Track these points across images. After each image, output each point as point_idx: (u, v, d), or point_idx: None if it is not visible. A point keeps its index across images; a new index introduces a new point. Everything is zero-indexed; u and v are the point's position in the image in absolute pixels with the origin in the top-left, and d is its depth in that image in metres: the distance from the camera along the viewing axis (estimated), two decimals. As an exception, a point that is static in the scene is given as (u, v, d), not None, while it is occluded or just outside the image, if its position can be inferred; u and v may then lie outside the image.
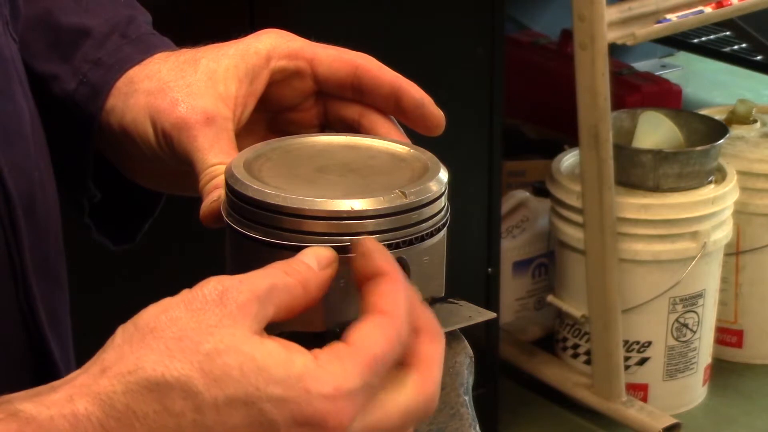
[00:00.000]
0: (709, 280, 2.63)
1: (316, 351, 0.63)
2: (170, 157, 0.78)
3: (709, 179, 2.61)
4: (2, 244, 0.74)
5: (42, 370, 0.78)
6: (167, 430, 0.61)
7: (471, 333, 0.74)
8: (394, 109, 0.79)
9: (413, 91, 0.79)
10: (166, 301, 0.63)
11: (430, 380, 0.65)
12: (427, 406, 0.65)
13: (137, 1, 0.89)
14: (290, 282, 0.65)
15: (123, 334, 0.63)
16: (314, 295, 0.65)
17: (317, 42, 0.81)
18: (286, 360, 0.62)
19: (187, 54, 0.81)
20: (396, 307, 0.64)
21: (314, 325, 0.67)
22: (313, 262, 0.66)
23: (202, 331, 0.62)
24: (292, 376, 0.62)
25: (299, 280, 0.65)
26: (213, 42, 0.81)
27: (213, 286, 0.63)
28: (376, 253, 0.66)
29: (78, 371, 0.63)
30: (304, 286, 0.65)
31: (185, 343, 0.62)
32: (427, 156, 0.74)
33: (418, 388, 0.65)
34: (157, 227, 0.92)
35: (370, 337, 0.63)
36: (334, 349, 0.63)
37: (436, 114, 0.79)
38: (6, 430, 0.59)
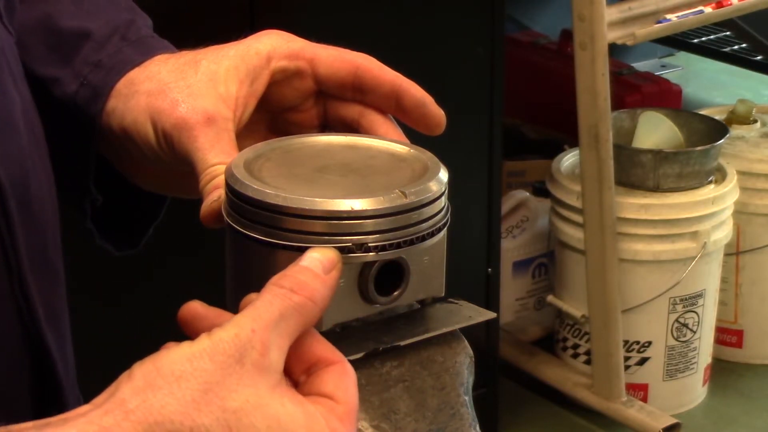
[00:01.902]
0: (709, 280, 2.63)
1: (328, 408, 0.64)
2: (171, 158, 0.78)
3: (709, 179, 2.61)
4: None
5: (38, 367, 0.78)
6: None
7: (471, 333, 0.74)
8: (395, 108, 0.79)
9: (414, 91, 0.79)
10: (188, 348, 0.63)
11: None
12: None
13: (137, 6, 0.89)
14: (299, 301, 0.65)
15: (144, 375, 0.62)
16: (323, 304, 0.66)
17: (317, 42, 0.81)
18: (306, 417, 0.63)
19: (187, 56, 0.81)
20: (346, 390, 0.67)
21: (315, 325, 0.67)
22: (318, 268, 0.66)
23: (228, 387, 0.62)
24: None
25: (308, 295, 0.65)
26: (213, 44, 0.81)
27: (232, 341, 0.63)
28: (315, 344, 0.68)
29: (89, 405, 0.62)
30: (313, 300, 0.65)
31: (211, 396, 0.62)
32: (427, 156, 0.74)
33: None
34: (157, 228, 0.92)
35: (350, 390, 0.65)
36: (336, 409, 0.65)
37: (437, 113, 0.79)
38: None
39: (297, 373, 0.66)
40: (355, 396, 0.66)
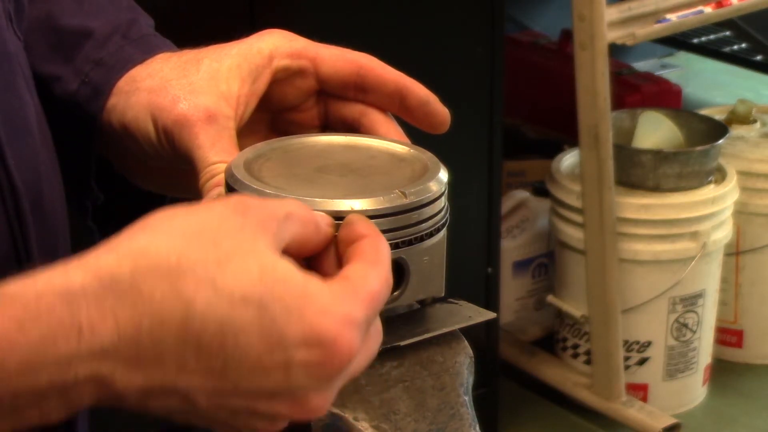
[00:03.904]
0: (709, 280, 2.63)
1: (328, 280, 0.63)
2: (171, 155, 0.78)
3: (709, 179, 2.61)
4: (8, 238, 0.74)
5: None
6: (173, 316, 0.58)
7: (471, 333, 0.74)
8: (399, 107, 0.79)
9: (418, 89, 0.79)
10: (185, 205, 0.62)
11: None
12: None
13: (138, 6, 0.89)
14: (305, 216, 0.65)
15: (135, 224, 0.61)
16: (324, 238, 0.66)
17: (318, 42, 0.81)
18: (305, 279, 0.62)
19: (189, 54, 0.81)
20: (383, 256, 0.65)
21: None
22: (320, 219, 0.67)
23: (224, 231, 0.61)
24: (309, 294, 0.61)
25: (312, 218, 0.65)
26: (214, 43, 0.82)
27: (236, 199, 0.63)
28: (359, 222, 0.66)
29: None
30: (316, 225, 0.65)
31: (204, 237, 0.60)
32: (427, 156, 0.74)
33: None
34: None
35: (367, 277, 0.63)
36: (340, 283, 0.63)
37: (442, 111, 0.79)
38: None
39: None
40: (375, 284, 0.63)
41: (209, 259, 0.59)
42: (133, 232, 0.61)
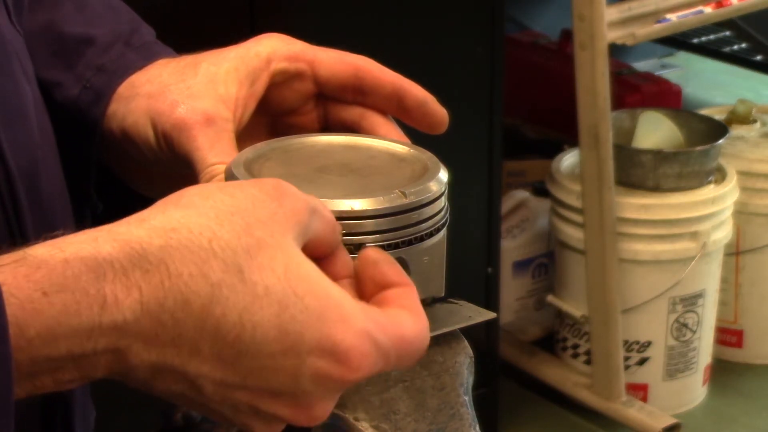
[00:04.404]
0: (709, 280, 2.63)
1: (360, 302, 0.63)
2: (171, 160, 0.79)
3: (709, 179, 2.61)
4: (3, 221, 0.73)
5: None
6: (198, 297, 0.58)
7: (471, 333, 0.74)
8: (397, 108, 0.80)
9: (415, 90, 0.79)
10: (220, 181, 0.62)
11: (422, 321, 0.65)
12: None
13: (139, 14, 0.89)
14: (328, 215, 0.65)
15: (168, 198, 0.61)
16: (335, 241, 0.65)
17: (317, 44, 0.81)
18: (329, 283, 0.62)
19: (188, 59, 0.82)
20: (421, 312, 0.65)
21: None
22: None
23: (256, 217, 0.61)
24: (332, 298, 0.61)
25: (332, 219, 0.65)
26: (214, 46, 0.82)
27: (272, 183, 0.63)
28: (392, 266, 0.66)
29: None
30: (334, 226, 0.65)
31: (237, 219, 0.60)
32: (427, 156, 0.74)
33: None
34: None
35: (402, 317, 0.63)
36: (370, 307, 0.63)
37: (440, 111, 0.79)
38: (13, 276, 0.56)
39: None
40: (408, 329, 0.63)
41: (239, 246, 0.59)
42: (166, 205, 0.61)
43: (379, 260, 0.65)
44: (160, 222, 0.59)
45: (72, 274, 0.57)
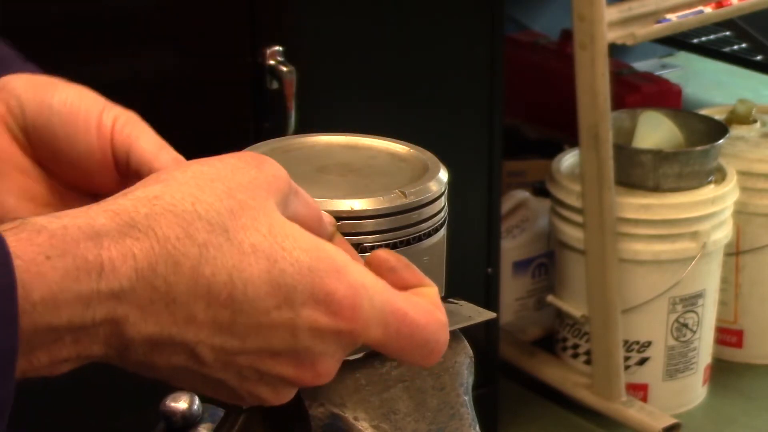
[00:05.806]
0: (709, 280, 2.63)
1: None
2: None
3: (709, 179, 2.61)
4: None
5: None
6: (187, 258, 0.58)
7: (471, 333, 0.74)
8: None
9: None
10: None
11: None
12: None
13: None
14: (312, 203, 0.65)
15: (146, 178, 0.61)
16: (324, 234, 0.65)
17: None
18: (318, 239, 0.61)
19: None
20: (439, 305, 0.65)
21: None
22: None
23: (237, 182, 0.61)
24: (322, 250, 0.61)
25: (317, 209, 0.65)
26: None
27: (250, 153, 0.63)
28: (405, 270, 0.66)
29: None
30: (319, 217, 0.65)
31: (218, 184, 0.60)
32: (427, 156, 0.74)
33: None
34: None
35: (414, 299, 0.63)
36: (379, 279, 0.63)
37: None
38: (16, 239, 0.56)
39: None
40: (418, 317, 0.63)
41: (222, 207, 0.59)
42: (147, 182, 0.61)
43: (396, 267, 0.65)
44: (143, 193, 0.60)
45: (72, 239, 0.57)
